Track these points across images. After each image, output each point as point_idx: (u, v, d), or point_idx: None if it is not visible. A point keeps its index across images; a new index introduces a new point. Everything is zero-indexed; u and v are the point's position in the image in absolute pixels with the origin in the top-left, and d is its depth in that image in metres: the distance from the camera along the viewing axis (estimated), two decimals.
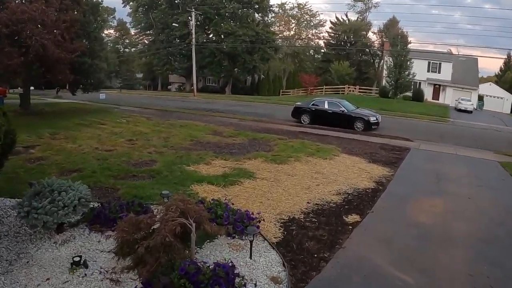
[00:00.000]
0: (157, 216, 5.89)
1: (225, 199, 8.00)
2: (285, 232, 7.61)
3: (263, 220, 7.77)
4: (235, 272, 5.43)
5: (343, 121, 23.13)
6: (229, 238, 7.03)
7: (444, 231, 8.29)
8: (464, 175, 13.39)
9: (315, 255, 6.84)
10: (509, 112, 55.55)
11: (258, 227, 7.31)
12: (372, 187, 11.03)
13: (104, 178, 10.00)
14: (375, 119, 23.16)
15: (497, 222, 9.03)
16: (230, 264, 5.44)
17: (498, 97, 58.81)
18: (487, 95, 57.72)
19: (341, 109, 23.52)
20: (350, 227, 8.14)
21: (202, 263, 5.40)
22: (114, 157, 12.14)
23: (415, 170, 13.52)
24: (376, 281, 6.14)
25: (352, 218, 8.57)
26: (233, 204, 7.94)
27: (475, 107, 49.92)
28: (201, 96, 48.38)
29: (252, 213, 7.66)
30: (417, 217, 8.91)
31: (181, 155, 12.74)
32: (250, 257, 6.47)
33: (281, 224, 7.93)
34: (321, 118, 23.90)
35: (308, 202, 9.27)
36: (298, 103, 26.67)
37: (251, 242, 6.43)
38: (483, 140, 22.54)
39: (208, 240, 6.81)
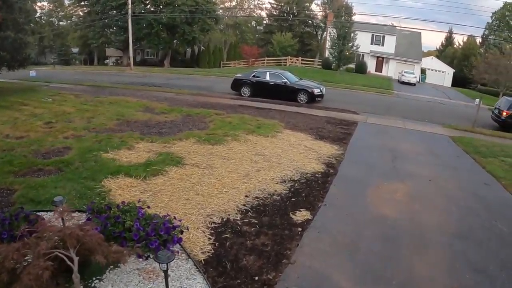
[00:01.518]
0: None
1: (139, 201, 5.89)
2: (217, 243, 5.64)
3: (187, 229, 5.70)
4: None
5: (286, 93, 21.33)
6: (140, 260, 5.05)
7: (413, 226, 6.78)
8: (419, 152, 12.05)
9: (256, 278, 4.91)
10: (449, 85, 56.58)
11: (179, 240, 5.24)
12: (322, 170, 9.25)
13: (1, 176, 7.54)
14: (319, 91, 21.55)
15: (466, 210, 7.74)
16: None
17: (439, 71, 59.94)
18: (429, 69, 58.59)
19: (283, 80, 21.66)
20: (300, 229, 6.27)
21: None
22: (22, 146, 9.57)
23: (367, 147, 11.95)
24: None
25: (301, 215, 6.71)
26: (149, 207, 5.83)
27: (418, 80, 50.31)
28: (139, 69, 44.82)
29: (175, 218, 5.55)
30: (378, 209, 7.22)
31: (102, 139, 10.33)
32: None
33: (212, 231, 5.94)
34: (262, 91, 21.94)
35: (246, 196, 7.29)
36: (238, 75, 24.46)
37: (165, 272, 4.34)
38: (429, 113, 21.61)
39: (111, 267, 4.83)
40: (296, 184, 8.23)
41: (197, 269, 5.00)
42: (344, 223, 6.63)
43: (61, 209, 5.03)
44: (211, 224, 6.17)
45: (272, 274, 5.08)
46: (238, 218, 6.46)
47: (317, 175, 8.94)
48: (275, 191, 7.75)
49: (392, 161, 10.64)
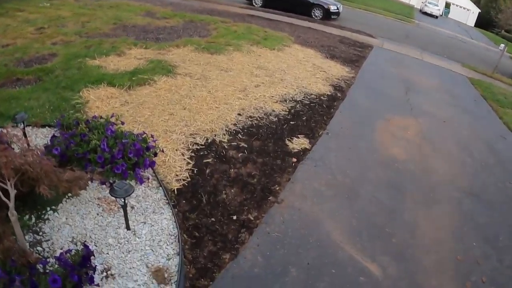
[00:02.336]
0: None
1: (112, 115, 4.71)
2: (196, 170, 4.59)
3: (162, 151, 4.61)
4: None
5: (300, 6, 19.24)
6: (104, 187, 4.05)
7: (422, 174, 5.77)
8: (435, 87, 10.66)
9: (234, 217, 3.90)
10: (473, 25, 52.83)
11: (152, 164, 4.18)
12: (329, 92, 7.97)
13: None
14: (335, 8, 19.42)
15: (480, 164, 6.61)
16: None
17: (465, 8, 55.54)
18: (454, 4, 54.33)
19: None
20: (294, 159, 5.16)
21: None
22: (6, 54, 8.16)
23: (380, 74, 10.53)
24: (329, 268, 3.48)
25: (298, 143, 5.57)
26: (123, 123, 4.73)
27: (441, 14, 46.78)
28: None
29: (152, 136, 4.44)
30: (386, 146, 6.07)
31: (91, 45, 8.84)
32: (127, 228, 3.65)
33: (193, 154, 4.87)
34: (275, 2, 19.79)
35: (239, 114, 6.09)
36: None
37: (123, 207, 3.33)
38: (449, 48, 19.68)
39: (69, 195, 3.88)
40: (298, 106, 7.02)
41: (167, 201, 3.94)
42: (346, 159, 5.52)
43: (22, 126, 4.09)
44: (193, 145, 5.07)
45: (254, 214, 4.07)
46: (225, 140, 5.33)
47: (322, 97, 7.69)
48: (273, 111, 6.57)
49: (406, 93, 9.33)
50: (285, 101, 7.14)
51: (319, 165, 5.24)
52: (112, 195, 3.30)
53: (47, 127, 4.94)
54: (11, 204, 2.97)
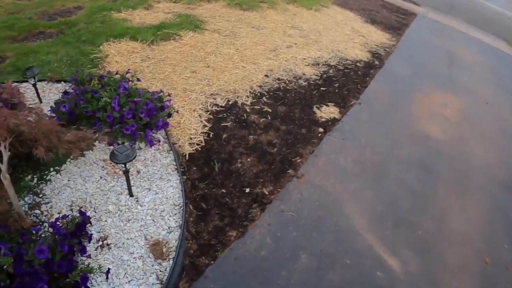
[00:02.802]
0: None
1: (128, 71, 4.33)
2: (212, 134, 4.08)
3: (177, 111, 4.12)
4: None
5: None
6: (111, 148, 3.60)
7: (458, 158, 5.16)
8: (478, 64, 9.62)
9: (247, 190, 3.45)
10: None
11: (165, 125, 3.73)
12: (366, 59, 7.23)
13: None
14: None
15: None
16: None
17: None
18: None
19: None
20: (321, 129, 4.61)
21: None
22: (32, 7, 7.67)
23: (422, 45, 9.56)
24: (344, 258, 3.08)
25: (327, 112, 4.98)
26: (139, 80, 4.29)
27: None
28: None
29: (169, 95, 3.99)
30: (422, 123, 5.42)
31: None
32: (130, 194, 3.30)
33: (211, 116, 4.37)
34: None
35: (266, 75, 5.50)
36: None
37: (125, 173, 2.92)
38: (495, 25, 17.87)
39: (73, 156, 3.51)
40: (331, 71, 6.34)
41: (176, 167, 3.49)
42: (378, 134, 4.92)
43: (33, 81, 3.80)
44: (212, 106, 4.57)
45: (269, 188, 3.59)
46: (248, 103, 4.80)
47: (358, 64, 6.96)
48: (304, 74, 5.94)
49: (448, 66, 8.41)
50: (318, 64, 6.48)
51: (347, 138, 4.66)
52: (112, 160, 2.87)
53: (62, 82, 4.58)
54: (3, 167, 2.62)
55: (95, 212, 3.10)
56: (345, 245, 3.26)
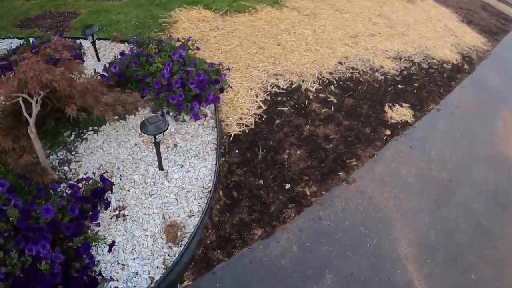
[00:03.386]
0: None
1: (189, 39, 4.00)
2: (265, 117, 3.60)
3: (231, 87, 3.69)
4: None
5: None
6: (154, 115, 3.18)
7: None
8: None
9: (287, 186, 2.97)
10: None
11: (215, 100, 3.33)
12: (454, 61, 6.23)
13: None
14: None
15: None
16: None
17: None
18: None
19: None
20: (388, 132, 3.98)
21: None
22: None
23: None
24: None
25: (399, 113, 4.29)
26: (198, 49, 3.91)
27: None
28: None
29: (228, 69, 3.58)
30: (507, 146, 4.46)
31: None
32: (160, 168, 3.02)
33: (268, 98, 3.87)
34: None
35: (340, 62, 4.87)
36: None
37: (156, 145, 2.54)
38: None
39: (116, 118, 3.26)
40: (413, 68, 5.53)
41: (216, 147, 3.09)
42: (452, 148, 4.15)
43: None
44: (272, 87, 4.08)
45: (312, 189, 3.07)
46: (313, 90, 4.24)
47: (445, 65, 6.02)
48: (382, 67, 5.22)
49: None
50: (400, 59, 5.68)
51: (415, 147, 3.95)
52: (141, 131, 2.52)
53: (125, 43, 4.34)
54: (31, 120, 2.40)
55: (120, 180, 2.82)
56: (381, 274, 2.68)
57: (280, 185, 3.12)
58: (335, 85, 4.60)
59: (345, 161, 3.54)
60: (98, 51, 4.06)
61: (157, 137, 2.63)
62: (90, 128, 3.21)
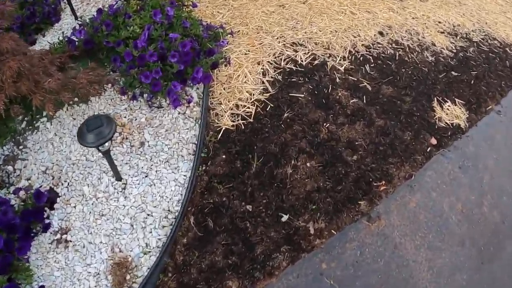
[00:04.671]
0: None
1: None
2: (270, 106, 2.54)
3: (228, 61, 2.60)
4: None
5: None
6: (123, 98, 2.51)
7: None
8: None
9: (285, 219, 1.95)
10: None
11: (205, 79, 2.24)
12: None
13: None
14: None
15: None
16: None
17: None
18: None
19: None
20: (434, 141, 2.97)
21: None
22: None
23: None
24: None
25: (451, 112, 3.25)
26: (194, 6, 2.78)
27: None
28: None
29: (231, 34, 2.46)
30: None
31: None
32: (117, 178, 2.10)
33: (279, 78, 2.83)
34: None
35: (381, 32, 3.71)
36: None
37: (106, 156, 1.61)
38: None
39: (76, 100, 2.47)
40: (471, 50, 4.27)
41: (194, 152, 2.10)
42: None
43: None
44: (287, 62, 2.94)
45: (319, 225, 2.26)
46: (342, 69, 3.13)
47: (508, 49, 4.69)
48: (433, 44, 3.99)
49: None
50: (455, 35, 4.41)
51: (466, 168, 2.87)
52: (79, 142, 1.55)
53: None
54: None
55: (67, 190, 2.06)
56: None
57: (275, 215, 2.13)
58: (372, 65, 3.45)
59: (371, 183, 2.50)
60: (81, 5, 3.01)
61: (101, 147, 1.64)
62: (44, 113, 2.27)
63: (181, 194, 2.09)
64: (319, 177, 2.40)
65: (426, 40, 4.01)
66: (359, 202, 2.37)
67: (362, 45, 3.58)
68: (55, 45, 2.68)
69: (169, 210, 2.05)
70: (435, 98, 3.37)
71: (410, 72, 3.53)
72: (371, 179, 2.50)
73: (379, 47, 3.66)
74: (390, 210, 2.39)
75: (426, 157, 2.86)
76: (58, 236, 2.02)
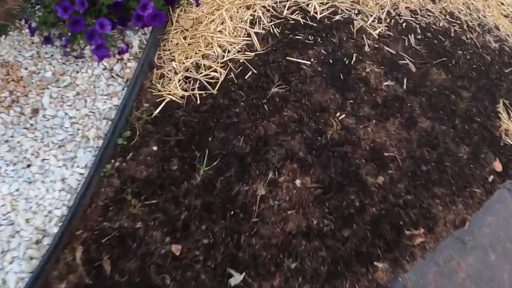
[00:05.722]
0: None
1: None
2: (251, 72, 1.34)
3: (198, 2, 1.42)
4: None
5: None
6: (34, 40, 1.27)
7: None
8: None
9: (232, 284, 0.77)
10: None
11: (158, 19, 1.13)
12: None
13: None
14: None
15: None
16: None
17: None
18: None
19: None
20: (498, 166, 1.85)
21: None
22: None
23: None
24: None
25: None
26: None
27: None
28: None
29: None
30: None
31: None
32: None
33: (274, 31, 1.63)
34: None
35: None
36: None
37: None
38: None
39: None
40: None
41: (106, 133, 0.96)
42: None
43: None
44: (293, 11, 1.76)
45: None
46: (375, 34, 1.98)
47: None
48: (496, 28, 2.94)
49: None
50: None
51: None
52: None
53: None
54: None
55: None
56: None
57: (220, 272, 1.04)
58: (419, 36, 2.31)
59: (401, 229, 1.38)
60: None
61: None
62: None
63: (67, 206, 1.03)
64: (313, 208, 1.28)
65: (488, 20, 2.88)
66: (376, 263, 1.25)
67: (407, 8, 2.43)
68: None
69: (44, 230, 1.01)
70: (501, 100, 2.24)
71: (468, 57, 2.40)
72: (401, 222, 1.37)
73: (429, 15, 2.52)
74: (425, 283, 1.28)
75: (487, 191, 1.74)
76: None
